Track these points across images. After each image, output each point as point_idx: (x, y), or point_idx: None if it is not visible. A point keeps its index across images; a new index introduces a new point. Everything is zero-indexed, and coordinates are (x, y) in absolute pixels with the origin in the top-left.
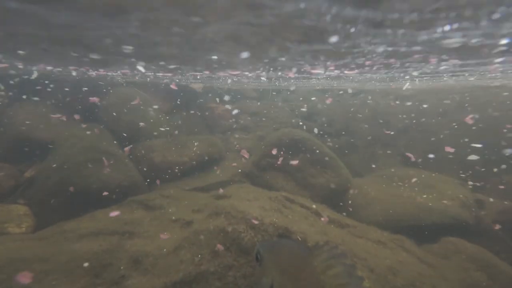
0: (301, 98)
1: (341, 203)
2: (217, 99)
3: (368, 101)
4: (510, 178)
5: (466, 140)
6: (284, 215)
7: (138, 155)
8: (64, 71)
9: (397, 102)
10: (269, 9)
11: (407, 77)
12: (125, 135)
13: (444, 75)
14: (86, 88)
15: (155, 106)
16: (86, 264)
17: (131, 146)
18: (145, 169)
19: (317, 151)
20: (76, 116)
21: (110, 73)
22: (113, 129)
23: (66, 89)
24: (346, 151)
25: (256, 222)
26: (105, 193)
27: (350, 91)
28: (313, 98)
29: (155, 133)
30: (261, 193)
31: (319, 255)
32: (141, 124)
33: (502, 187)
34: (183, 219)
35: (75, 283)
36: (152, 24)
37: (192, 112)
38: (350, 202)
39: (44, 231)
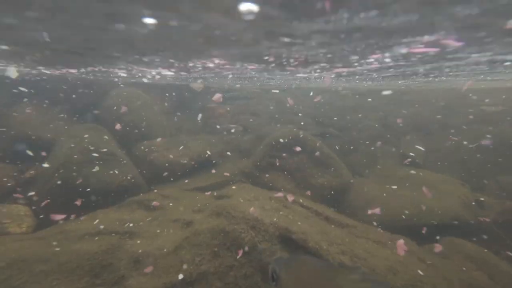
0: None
1: (341, 203)
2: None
3: (369, 101)
4: (510, 178)
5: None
6: (284, 215)
7: (138, 155)
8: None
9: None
10: None
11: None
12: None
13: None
14: (86, 89)
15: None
16: (86, 265)
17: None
18: (145, 169)
19: (317, 151)
20: (76, 116)
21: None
22: (114, 129)
23: (66, 88)
24: (346, 151)
25: (256, 222)
26: (105, 193)
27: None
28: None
29: (155, 133)
30: (261, 193)
31: (348, 275)
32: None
33: (502, 187)
34: (183, 219)
35: (75, 283)
36: None
37: (192, 112)
38: (350, 202)
39: (44, 231)
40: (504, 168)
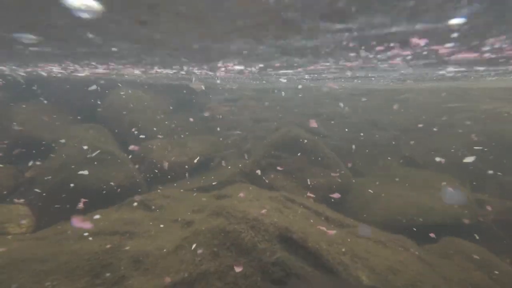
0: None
1: (341, 203)
2: (218, 98)
3: (369, 101)
4: (510, 178)
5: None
6: (284, 215)
7: (138, 155)
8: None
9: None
10: None
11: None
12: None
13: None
14: (86, 89)
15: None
16: (86, 265)
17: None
18: (145, 169)
19: (317, 151)
20: (77, 116)
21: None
22: (114, 129)
23: (67, 89)
24: (346, 151)
25: (256, 222)
26: (105, 193)
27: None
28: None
29: (155, 133)
30: (262, 193)
31: None
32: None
33: (502, 187)
34: (183, 219)
35: (75, 283)
36: None
37: (192, 112)
38: (350, 202)
39: (44, 231)
40: (504, 168)
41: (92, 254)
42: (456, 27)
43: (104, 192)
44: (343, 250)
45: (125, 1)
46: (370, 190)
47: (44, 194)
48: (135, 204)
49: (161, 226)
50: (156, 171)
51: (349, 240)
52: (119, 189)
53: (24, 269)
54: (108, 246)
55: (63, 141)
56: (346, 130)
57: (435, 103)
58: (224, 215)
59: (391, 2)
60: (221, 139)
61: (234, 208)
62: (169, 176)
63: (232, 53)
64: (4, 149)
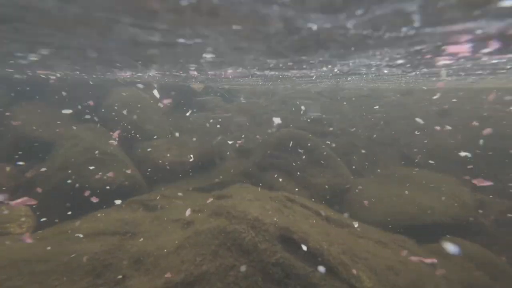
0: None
1: (341, 203)
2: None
3: (369, 102)
4: (510, 177)
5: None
6: (285, 215)
7: (138, 155)
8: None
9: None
10: None
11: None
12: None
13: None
14: (86, 89)
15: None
16: (87, 265)
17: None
18: (145, 169)
19: (317, 151)
20: (77, 116)
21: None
22: (113, 129)
23: (67, 89)
24: (346, 151)
25: (256, 222)
26: (106, 193)
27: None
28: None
29: (155, 133)
30: (262, 193)
31: None
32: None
33: (502, 186)
34: (183, 219)
35: (76, 283)
36: None
37: (192, 112)
38: (350, 202)
39: (45, 232)
40: (505, 167)
41: (93, 254)
42: None
43: (104, 192)
44: (344, 250)
45: None
46: (370, 190)
47: (44, 194)
48: (135, 204)
49: (162, 226)
50: (157, 171)
51: (349, 240)
52: (119, 189)
53: (24, 269)
54: (109, 246)
55: (63, 141)
56: (347, 130)
57: (434, 103)
58: (225, 215)
59: None
60: (221, 139)
61: (235, 208)
62: (169, 176)
63: None
64: (4, 149)
